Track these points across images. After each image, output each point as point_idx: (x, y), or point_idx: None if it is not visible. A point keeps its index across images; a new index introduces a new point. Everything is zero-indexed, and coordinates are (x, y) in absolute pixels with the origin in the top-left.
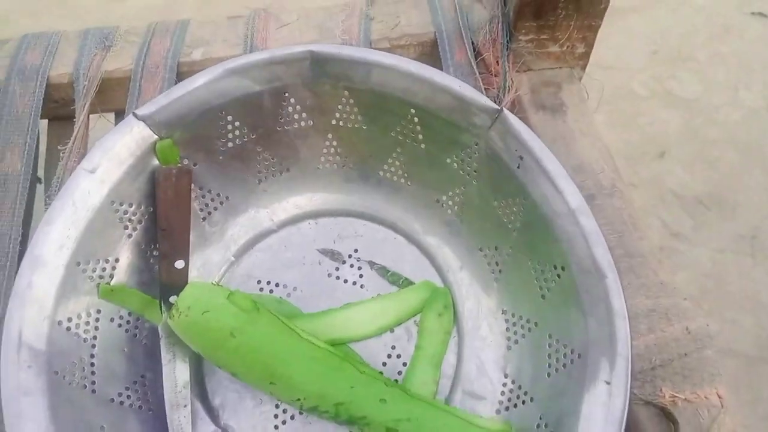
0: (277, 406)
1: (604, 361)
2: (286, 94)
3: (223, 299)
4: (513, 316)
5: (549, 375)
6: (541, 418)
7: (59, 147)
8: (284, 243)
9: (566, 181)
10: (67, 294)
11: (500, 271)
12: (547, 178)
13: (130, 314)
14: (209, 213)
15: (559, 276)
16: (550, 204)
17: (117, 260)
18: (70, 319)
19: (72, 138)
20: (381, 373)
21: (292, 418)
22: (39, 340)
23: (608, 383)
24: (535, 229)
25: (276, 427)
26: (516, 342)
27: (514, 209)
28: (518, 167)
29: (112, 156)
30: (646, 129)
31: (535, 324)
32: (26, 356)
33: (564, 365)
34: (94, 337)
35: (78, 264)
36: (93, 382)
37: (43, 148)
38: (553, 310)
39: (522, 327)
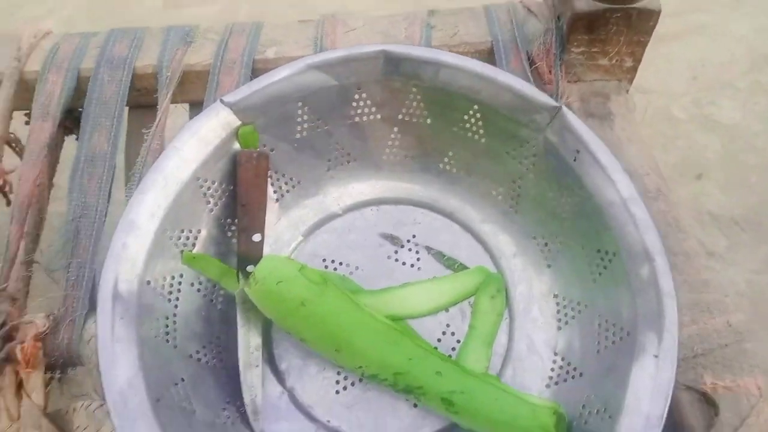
0: (338, 373)
1: (653, 336)
2: (359, 89)
3: (296, 272)
4: (564, 299)
5: (598, 351)
6: (590, 391)
7: (143, 130)
8: (348, 226)
9: (620, 173)
10: (155, 257)
11: (553, 257)
12: (601, 171)
13: (208, 281)
14: (282, 195)
15: (610, 261)
16: (604, 194)
17: (199, 231)
18: (156, 280)
19: (155, 123)
20: (436, 348)
21: (353, 384)
22: (130, 296)
23: (656, 357)
24: (588, 218)
25: (337, 392)
26: (566, 323)
27: (568, 200)
28: (574, 160)
29: (200, 137)
30: (684, 151)
31: (585, 306)
32: (120, 309)
33: (613, 342)
34: (177, 298)
35: (165, 231)
36: (175, 338)
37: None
38: (603, 293)
39: (572, 309)
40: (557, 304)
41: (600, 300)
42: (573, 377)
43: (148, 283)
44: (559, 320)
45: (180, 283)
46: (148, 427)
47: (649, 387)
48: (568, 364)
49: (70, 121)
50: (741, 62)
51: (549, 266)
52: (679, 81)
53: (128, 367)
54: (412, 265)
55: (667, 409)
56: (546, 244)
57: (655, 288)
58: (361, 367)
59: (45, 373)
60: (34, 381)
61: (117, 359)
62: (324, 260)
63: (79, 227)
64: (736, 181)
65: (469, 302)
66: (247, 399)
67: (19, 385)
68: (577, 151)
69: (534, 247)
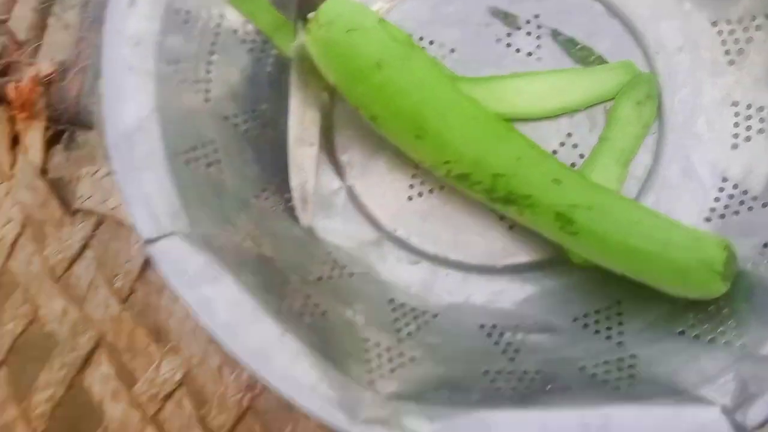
0: (413, 176)
1: None
2: None
3: (374, 22)
4: (748, 107)
5: None
6: None
7: None
8: None
9: None
10: None
11: (740, 50)
12: None
13: (258, 33)
14: None
15: None
16: None
17: None
18: (188, 12)
19: None
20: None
21: (431, 192)
22: (151, 21)
23: None
24: None
25: (409, 198)
26: (747, 139)
27: None
28: None
29: None
30: None
31: None
32: (134, 31)
33: None
34: (213, 43)
35: None
36: (207, 91)
37: None
38: None
39: (761, 120)
40: (736, 114)
41: None
42: (750, 209)
43: (177, 12)
44: (737, 136)
45: (219, 25)
46: (159, 181)
47: None
48: (744, 192)
49: None
50: None
51: (732, 63)
52: None
53: (140, 105)
54: (530, 54)
55: None
56: (732, 32)
57: None
58: (448, 162)
59: (47, 130)
60: (33, 136)
61: (126, 92)
62: (410, 36)
63: None
64: None
65: (605, 107)
66: (294, 182)
67: (15, 141)
68: None
69: (713, 37)
